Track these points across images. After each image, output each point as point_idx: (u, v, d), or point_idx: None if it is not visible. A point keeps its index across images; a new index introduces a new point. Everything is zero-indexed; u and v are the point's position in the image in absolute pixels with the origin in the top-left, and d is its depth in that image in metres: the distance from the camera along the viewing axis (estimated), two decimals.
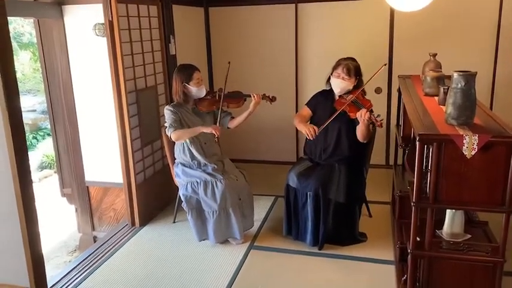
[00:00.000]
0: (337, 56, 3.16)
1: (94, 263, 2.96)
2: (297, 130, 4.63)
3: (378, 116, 2.74)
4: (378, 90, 4.25)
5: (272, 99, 3.17)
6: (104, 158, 3.63)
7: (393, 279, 2.63)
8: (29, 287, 1.39)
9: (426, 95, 2.72)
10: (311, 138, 2.95)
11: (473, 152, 1.77)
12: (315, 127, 2.95)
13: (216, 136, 2.94)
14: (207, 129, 2.95)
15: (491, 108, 4.17)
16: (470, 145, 1.77)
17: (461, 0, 4.05)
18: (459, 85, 1.90)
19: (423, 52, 3.14)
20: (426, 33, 4.11)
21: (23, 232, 1.34)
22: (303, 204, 3.00)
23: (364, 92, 3.08)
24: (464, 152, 1.78)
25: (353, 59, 3.08)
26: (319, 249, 2.99)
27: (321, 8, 4.36)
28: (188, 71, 3.06)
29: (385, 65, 3.02)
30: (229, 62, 3.08)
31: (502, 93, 4.14)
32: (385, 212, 3.52)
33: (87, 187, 3.79)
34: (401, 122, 3.23)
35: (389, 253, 2.92)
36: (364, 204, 3.30)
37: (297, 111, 4.50)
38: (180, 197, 3.14)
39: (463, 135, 1.78)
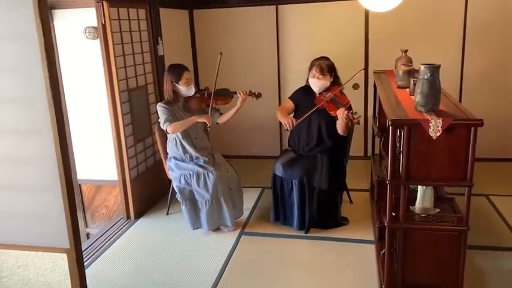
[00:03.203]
0: (316, 54, 3.36)
1: (93, 255, 3.09)
2: (280, 126, 4.85)
3: (355, 113, 2.98)
4: (356, 86, 4.54)
5: (258, 96, 3.36)
6: (96, 156, 3.76)
7: (373, 256, 2.88)
8: (69, 248, 1.60)
9: (399, 87, 2.97)
10: (288, 129, 3.19)
11: (438, 134, 2.02)
12: (293, 119, 3.19)
13: (208, 126, 3.16)
14: (201, 119, 3.14)
15: (460, 98, 4.47)
16: (435, 128, 2.02)
17: (430, 1, 4.34)
18: (425, 76, 2.14)
19: (396, 49, 3.36)
20: (399, 31, 4.38)
21: (64, 203, 1.54)
22: (289, 192, 3.21)
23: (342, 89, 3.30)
24: (430, 134, 2.03)
25: (326, 58, 3.27)
26: (306, 232, 3.21)
27: (300, 9, 4.58)
28: (177, 71, 3.21)
29: (363, 69, 3.24)
30: (220, 53, 3.16)
31: (469, 84, 4.44)
32: (364, 198, 3.78)
33: (80, 185, 3.89)
34: (377, 114, 3.48)
35: (369, 234, 3.16)
36: (345, 191, 3.54)
37: None
38: (173, 189, 3.30)
39: (429, 119, 2.03)
